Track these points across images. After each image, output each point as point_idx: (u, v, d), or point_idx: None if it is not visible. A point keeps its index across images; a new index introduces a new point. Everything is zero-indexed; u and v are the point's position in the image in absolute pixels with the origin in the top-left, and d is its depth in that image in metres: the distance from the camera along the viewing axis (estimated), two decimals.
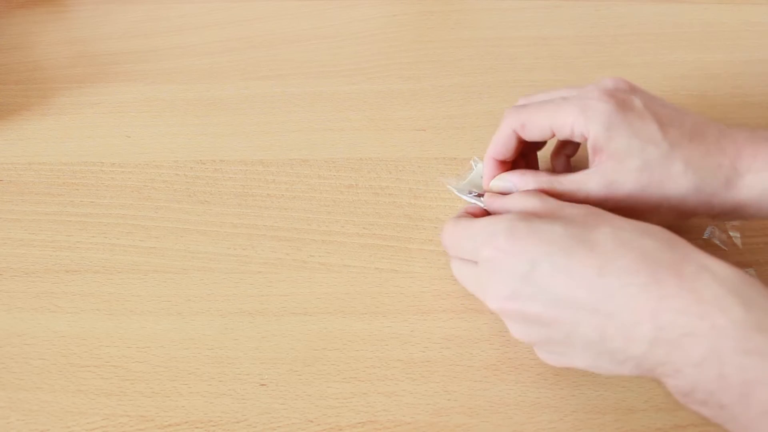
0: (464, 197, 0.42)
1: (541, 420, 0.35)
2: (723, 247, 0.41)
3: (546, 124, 0.36)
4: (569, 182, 0.35)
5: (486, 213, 0.38)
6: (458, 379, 0.36)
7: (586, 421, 0.35)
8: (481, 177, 0.40)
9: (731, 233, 0.42)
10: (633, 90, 0.36)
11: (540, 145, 0.41)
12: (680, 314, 0.27)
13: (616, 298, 0.29)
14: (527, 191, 0.36)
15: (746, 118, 0.48)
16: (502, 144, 0.38)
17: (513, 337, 0.33)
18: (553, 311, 0.30)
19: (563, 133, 0.36)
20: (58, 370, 0.37)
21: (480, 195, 0.41)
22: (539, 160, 0.43)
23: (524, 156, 0.41)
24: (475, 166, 0.43)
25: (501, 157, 0.39)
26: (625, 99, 0.35)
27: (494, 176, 0.39)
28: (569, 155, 0.42)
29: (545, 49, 0.54)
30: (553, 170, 0.42)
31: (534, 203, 0.34)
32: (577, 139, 0.36)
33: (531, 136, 0.37)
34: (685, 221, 0.37)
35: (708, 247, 0.41)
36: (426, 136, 0.48)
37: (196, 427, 0.35)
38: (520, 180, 0.37)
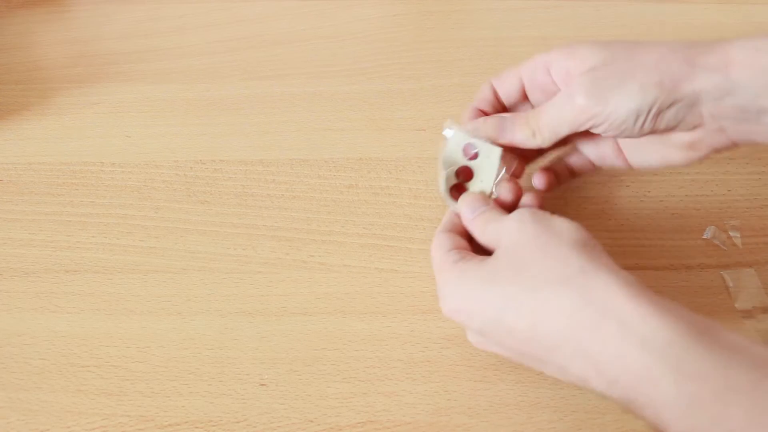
0: (441, 191, 0.39)
1: (541, 420, 0.35)
2: (723, 247, 0.41)
3: (513, 70, 0.38)
4: (543, 106, 0.36)
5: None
6: (458, 379, 0.36)
7: (586, 421, 0.35)
8: (457, 147, 0.39)
9: (731, 233, 0.42)
10: None
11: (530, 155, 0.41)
12: (617, 384, 0.27)
13: (562, 357, 0.29)
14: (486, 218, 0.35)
15: None
16: (480, 93, 0.40)
17: None
18: (521, 359, 0.32)
19: (529, 70, 0.37)
20: (58, 370, 0.37)
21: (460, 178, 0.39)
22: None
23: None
24: (448, 136, 0.39)
25: (481, 106, 0.39)
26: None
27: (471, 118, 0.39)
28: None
29: (545, 49, 0.53)
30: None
31: (489, 232, 0.34)
32: (538, 75, 0.37)
33: (503, 86, 0.39)
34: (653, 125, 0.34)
35: (708, 247, 0.41)
36: (426, 136, 0.48)
37: (196, 427, 0.35)
38: (513, 116, 0.37)
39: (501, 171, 0.37)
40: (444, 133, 0.39)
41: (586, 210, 0.43)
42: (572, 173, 0.41)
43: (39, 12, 0.60)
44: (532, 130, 0.36)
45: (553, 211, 0.43)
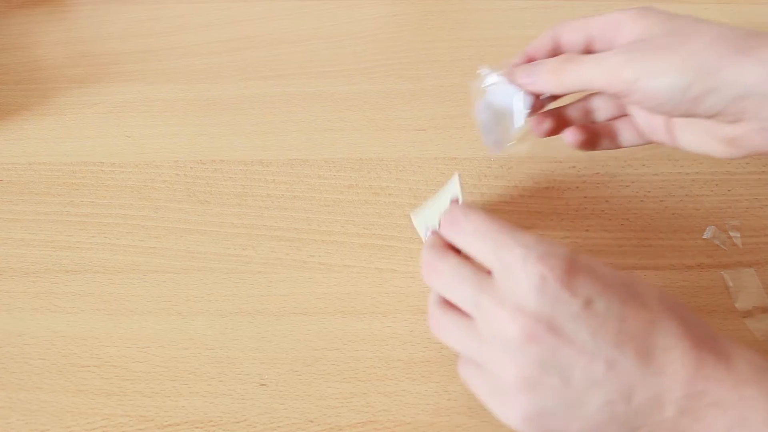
0: (420, 231, 0.40)
1: None
2: (723, 247, 0.41)
3: (583, 21, 0.36)
4: (587, 55, 0.34)
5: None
6: (458, 379, 0.36)
7: None
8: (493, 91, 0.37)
9: (731, 233, 0.42)
10: None
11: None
12: (713, 383, 0.26)
13: (659, 359, 0.27)
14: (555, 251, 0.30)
15: None
16: (538, 41, 0.37)
17: (506, 381, 0.28)
18: (593, 351, 0.27)
19: (599, 25, 0.35)
20: (58, 370, 0.37)
21: None
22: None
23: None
24: (483, 74, 0.37)
25: (533, 53, 0.37)
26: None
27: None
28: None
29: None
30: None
31: (570, 254, 0.29)
32: (608, 31, 0.35)
33: (568, 35, 0.36)
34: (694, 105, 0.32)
35: (708, 246, 0.41)
36: (426, 136, 0.48)
37: (196, 427, 0.35)
38: (546, 60, 0.36)
39: (523, 116, 0.36)
40: (480, 71, 0.37)
41: (585, 210, 0.43)
42: (614, 140, 0.38)
43: (39, 12, 0.59)
44: (558, 77, 0.34)
45: (553, 211, 0.43)
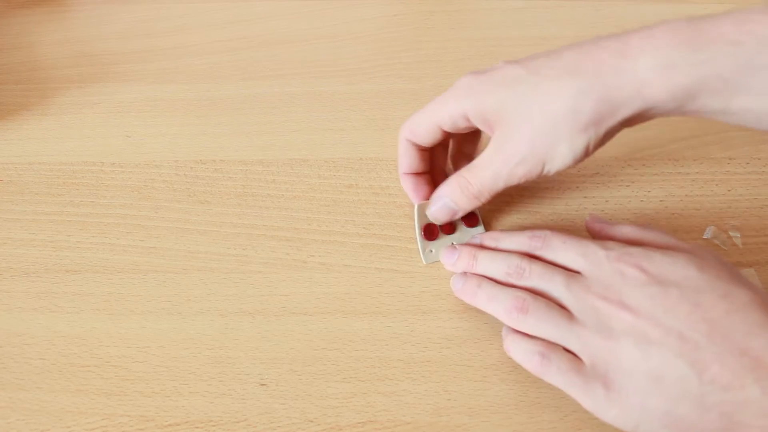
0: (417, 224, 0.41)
1: (541, 420, 0.35)
2: (723, 247, 0.41)
3: (430, 121, 0.38)
4: (475, 169, 0.37)
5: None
6: (458, 379, 0.36)
7: (586, 421, 0.35)
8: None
9: (731, 233, 0.42)
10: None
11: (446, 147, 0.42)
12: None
13: (735, 339, 0.29)
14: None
15: None
16: (404, 156, 0.40)
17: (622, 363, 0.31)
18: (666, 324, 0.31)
19: (447, 124, 0.37)
20: (58, 370, 0.37)
21: None
22: None
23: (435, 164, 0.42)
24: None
25: (411, 170, 0.40)
26: (484, 69, 0.37)
27: (418, 192, 0.40)
28: (469, 154, 0.42)
29: (545, 49, 0.54)
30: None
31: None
32: (461, 126, 0.37)
33: (423, 139, 0.38)
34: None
35: (708, 247, 0.41)
36: None
37: (196, 427, 0.35)
38: (448, 189, 0.38)
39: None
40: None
41: (586, 210, 0.43)
42: None
43: (39, 12, 0.60)
44: (476, 198, 0.37)
45: (553, 211, 0.43)
